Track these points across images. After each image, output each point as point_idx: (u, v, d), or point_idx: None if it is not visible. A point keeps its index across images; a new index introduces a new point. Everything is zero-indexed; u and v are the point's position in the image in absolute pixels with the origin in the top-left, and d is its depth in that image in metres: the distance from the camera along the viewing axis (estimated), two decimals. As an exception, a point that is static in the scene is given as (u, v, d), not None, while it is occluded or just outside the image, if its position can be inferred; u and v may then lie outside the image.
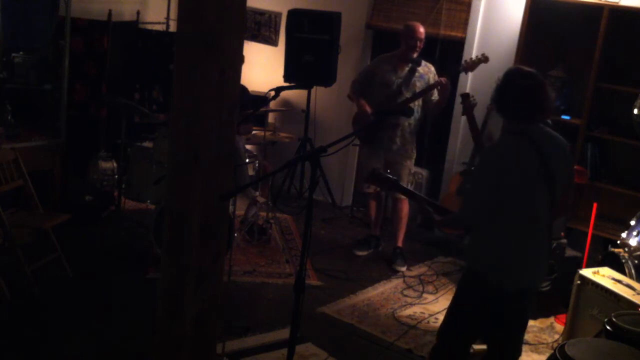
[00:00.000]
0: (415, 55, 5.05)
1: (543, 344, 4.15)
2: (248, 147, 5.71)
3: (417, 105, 5.08)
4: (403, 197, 5.12)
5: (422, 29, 5.04)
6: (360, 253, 5.35)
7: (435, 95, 5.07)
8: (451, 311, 3.07)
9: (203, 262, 2.68)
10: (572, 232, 5.00)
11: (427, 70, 5.10)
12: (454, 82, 5.65)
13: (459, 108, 5.80)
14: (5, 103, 4.98)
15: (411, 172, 5.32)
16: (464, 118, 5.64)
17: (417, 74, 5.05)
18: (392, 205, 5.38)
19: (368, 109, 5.11)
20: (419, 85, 5.05)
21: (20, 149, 4.50)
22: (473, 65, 4.97)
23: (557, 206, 2.86)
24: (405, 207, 5.23)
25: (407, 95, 5.03)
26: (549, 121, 3.33)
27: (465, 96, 5.12)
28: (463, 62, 5.08)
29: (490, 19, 5.66)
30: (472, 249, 2.98)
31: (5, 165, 4.27)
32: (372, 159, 5.15)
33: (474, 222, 2.86)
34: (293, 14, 6.14)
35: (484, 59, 4.93)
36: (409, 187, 5.03)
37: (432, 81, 5.05)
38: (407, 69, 5.06)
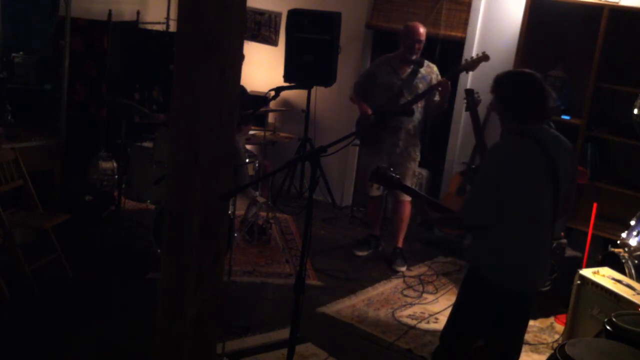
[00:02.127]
0: (414, 56, 5.01)
1: (543, 344, 4.15)
2: (248, 147, 5.71)
3: (419, 106, 5.04)
4: (406, 199, 5.09)
5: (421, 30, 4.99)
6: (360, 253, 5.34)
7: (437, 96, 5.04)
8: (454, 312, 3.08)
9: (203, 262, 2.68)
10: (572, 232, 5.00)
11: (430, 71, 5.06)
12: (454, 82, 5.65)
13: (459, 108, 5.80)
14: (5, 103, 4.99)
15: (415, 174, 5.26)
16: (464, 117, 5.65)
17: (419, 75, 5.01)
18: (394, 206, 5.33)
19: (369, 111, 5.08)
20: (422, 86, 5.00)
21: (20, 149, 4.50)
22: (474, 64, 4.93)
23: (559, 207, 2.86)
24: (407, 209, 5.19)
25: (409, 97, 4.99)
26: (552, 123, 3.32)
27: (470, 92, 5.10)
28: (464, 61, 5.03)
29: (490, 19, 5.66)
30: (475, 249, 2.98)
31: (5, 165, 4.27)
32: (375, 161, 4.99)
33: (480, 223, 2.84)
34: (293, 14, 6.14)
35: (484, 57, 4.89)
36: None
37: (434, 82, 5.02)
38: (409, 70, 5.02)
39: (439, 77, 5.06)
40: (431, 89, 4.99)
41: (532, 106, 2.82)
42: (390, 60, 5.14)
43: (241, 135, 5.44)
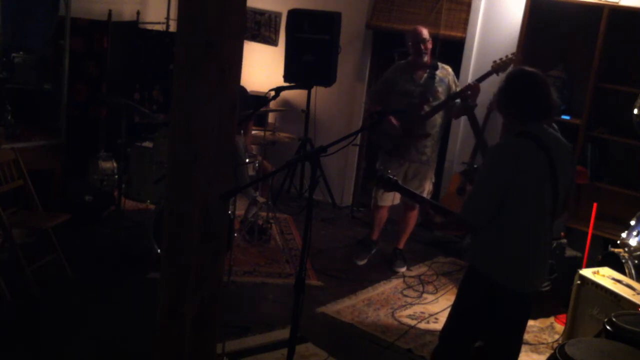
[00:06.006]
0: (425, 58, 4.89)
1: (543, 344, 4.15)
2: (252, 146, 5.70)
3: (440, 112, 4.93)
4: (416, 207, 5.04)
5: (423, 30, 4.90)
6: (360, 262, 5.20)
7: (459, 99, 4.90)
8: (453, 311, 3.08)
9: (203, 262, 2.68)
10: (572, 232, 5.00)
11: (446, 73, 4.95)
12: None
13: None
14: (5, 103, 4.99)
15: (432, 181, 5.16)
16: (464, 118, 5.63)
17: (436, 78, 4.89)
18: (404, 210, 5.20)
19: (394, 121, 4.87)
20: (440, 90, 4.89)
21: (20, 149, 4.49)
22: (504, 65, 4.69)
23: (558, 207, 2.86)
24: (415, 216, 5.14)
25: (434, 102, 4.86)
26: (555, 126, 3.31)
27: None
28: (493, 62, 4.79)
29: (490, 19, 5.66)
30: (474, 249, 2.98)
31: (5, 165, 4.27)
32: (391, 168, 4.76)
33: (480, 223, 2.84)
34: (293, 14, 6.14)
35: (515, 57, 4.70)
36: (428, 195, 4.96)
37: (452, 84, 4.92)
38: (425, 75, 4.90)
39: (455, 78, 4.99)
40: (457, 94, 4.85)
41: (536, 106, 2.81)
42: (404, 67, 5.01)
43: (247, 136, 5.43)
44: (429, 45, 4.92)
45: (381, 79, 5.27)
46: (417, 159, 4.97)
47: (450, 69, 5.02)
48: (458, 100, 4.91)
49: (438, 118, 4.96)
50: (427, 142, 4.96)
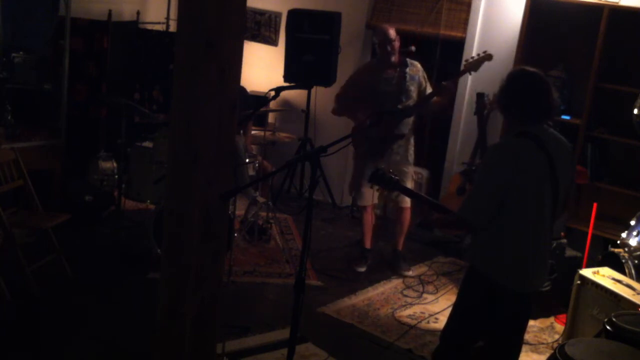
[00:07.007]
0: (393, 58, 4.87)
1: (543, 344, 4.15)
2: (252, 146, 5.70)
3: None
4: (406, 205, 5.02)
5: (390, 29, 4.86)
6: (360, 269, 5.12)
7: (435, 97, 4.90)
8: (454, 312, 3.08)
9: (203, 262, 2.68)
10: (572, 232, 5.00)
11: (416, 70, 4.93)
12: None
13: (459, 108, 5.80)
14: (5, 103, 4.99)
15: (413, 178, 5.16)
16: (464, 118, 5.63)
17: (407, 77, 4.89)
18: (396, 213, 5.20)
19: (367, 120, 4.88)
20: (413, 88, 4.89)
21: (20, 149, 4.49)
22: (477, 64, 4.69)
23: (558, 207, 2.86)
24: (408, 215, 5.11)
25: (407, 101, 4.86)
26: (551, 123, 3.31)
27: (480, 95, 4.99)
28: (464, 61, 4.83)
29: (490, 19, 5.66)
30: (475, 249, 2.98)
31: (5, 165, 4.27)
32: (368, 170, 4.67)
33: (479, 223, 2.84)
34: (293, 14, 6.14)
35: (486, 56, 4.67)
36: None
37: (422, 80, 4.93)
38: (395, 74, 4.89)
39: (425, 74, 4.97)
40: (432, 94, 4.85)
41: (537, 106, 2.81)
42: (375, 66, 4.99)
43: (247, 136, 5.43)
44: (396, 45, 4.89)
45: (351, 80, 5.17)
46: (392, 160, 4.95)
47: (419, 65, 4.98)
48: (433, 99, 4.88)
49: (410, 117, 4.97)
50: (400, 142, 4.97)
